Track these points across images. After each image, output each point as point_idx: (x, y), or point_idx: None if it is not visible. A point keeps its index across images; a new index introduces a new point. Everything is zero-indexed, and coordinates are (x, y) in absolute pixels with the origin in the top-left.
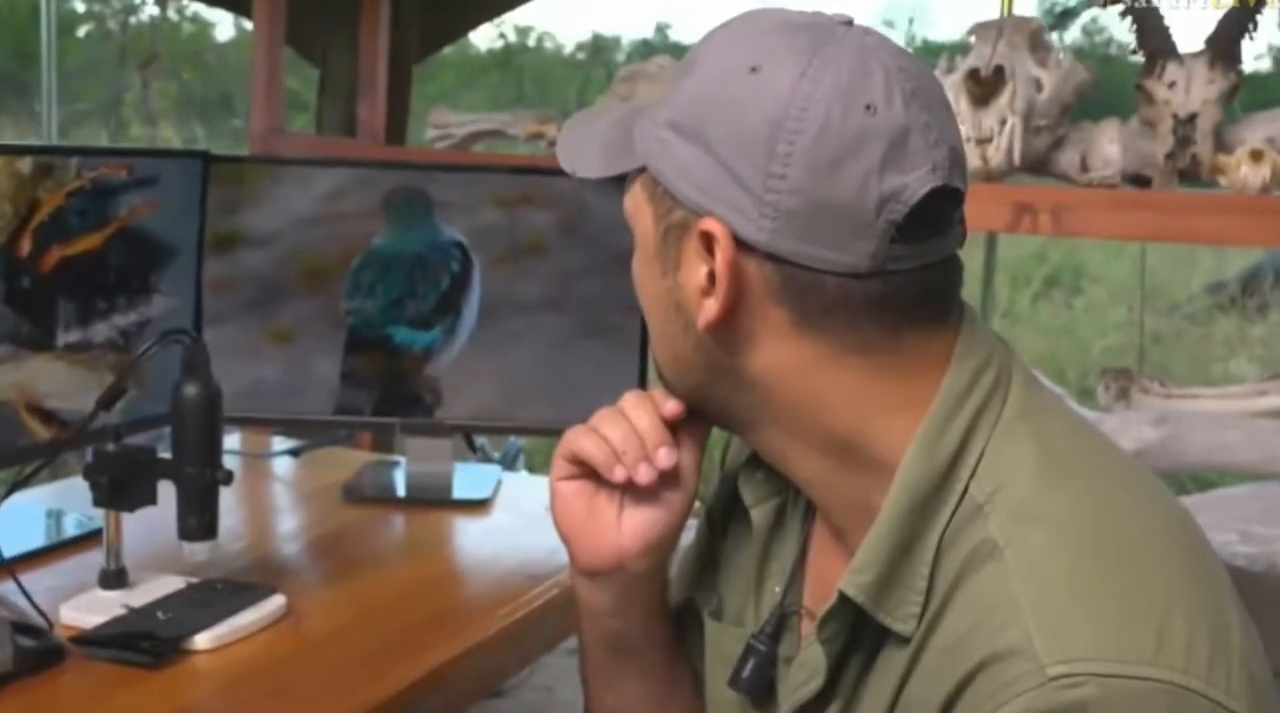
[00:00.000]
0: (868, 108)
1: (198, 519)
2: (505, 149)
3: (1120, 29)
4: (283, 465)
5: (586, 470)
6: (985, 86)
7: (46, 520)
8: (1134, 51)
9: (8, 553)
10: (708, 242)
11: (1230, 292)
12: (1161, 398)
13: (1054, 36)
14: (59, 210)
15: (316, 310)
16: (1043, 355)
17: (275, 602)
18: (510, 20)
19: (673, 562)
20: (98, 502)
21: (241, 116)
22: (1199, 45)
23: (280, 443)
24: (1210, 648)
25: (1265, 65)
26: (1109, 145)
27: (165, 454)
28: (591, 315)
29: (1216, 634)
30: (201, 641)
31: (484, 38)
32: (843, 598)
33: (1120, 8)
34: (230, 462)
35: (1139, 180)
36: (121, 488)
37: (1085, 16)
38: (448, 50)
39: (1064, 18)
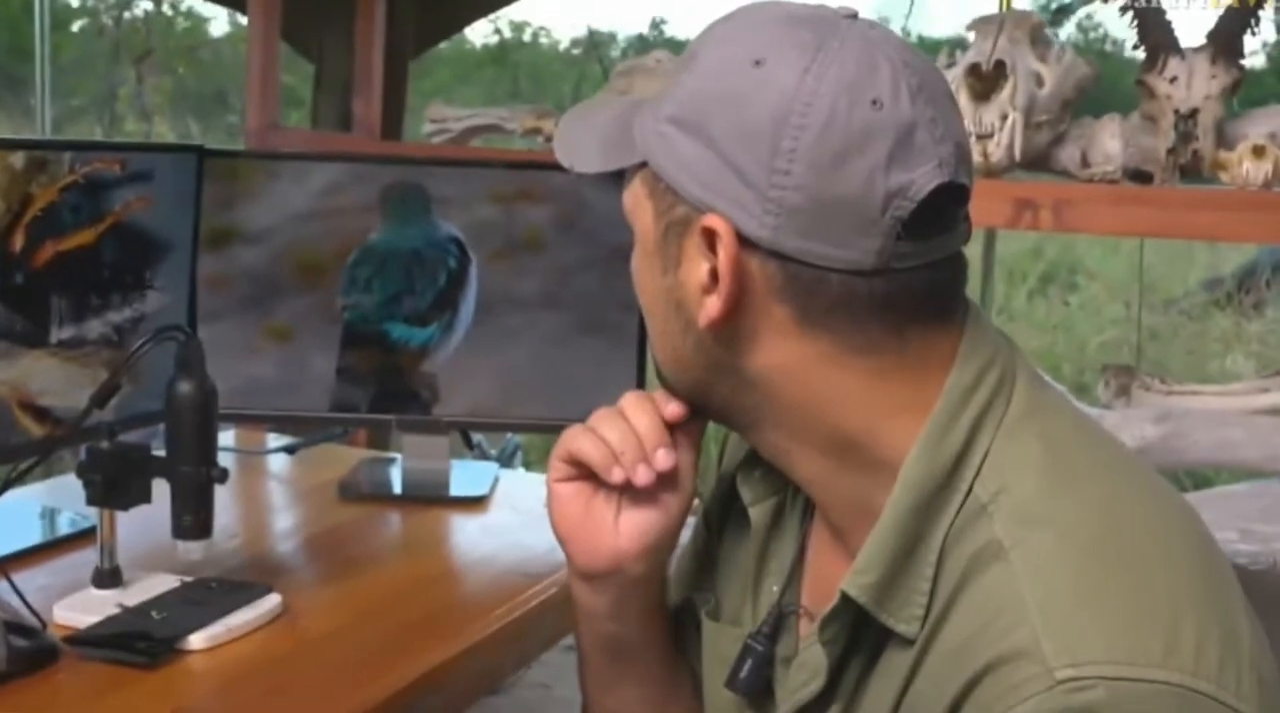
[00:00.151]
0: (874, 103)
1: (192, 518)
2: (501, 144)
3: (1116, 25)
4: (278, 463)
5: (584, 472)
6: (986, 82)
7: (40, 519)
8: (1135, 47)
9: (0, 552)
10: (710, 238)
11: (1227, 288)
12: (1162, 395)
13: (1048, 33)
14: (52, 205)
15: (312, 307)
16: (1039, 352)
17: (271, 601)
18: (506, 15)
19: (670, 562)
20: (91, 500)
21: (236, 112)
22: (1199, 41)
23: (275, 440)
24: (1220, 650)
25: (1259, 62)
26: (1110, 141)
27: (159, 451)
28: (589, 312)
29: (1226, 636)
30: (196, 640)
31: (479, 33)
32: (845, 599)
33: (1120, 3)
34: (225, 459)
35: (1140, 176)
36: (115, 486)
37: (1080, 13)
38: (443, 46)
39: (1060, 14)
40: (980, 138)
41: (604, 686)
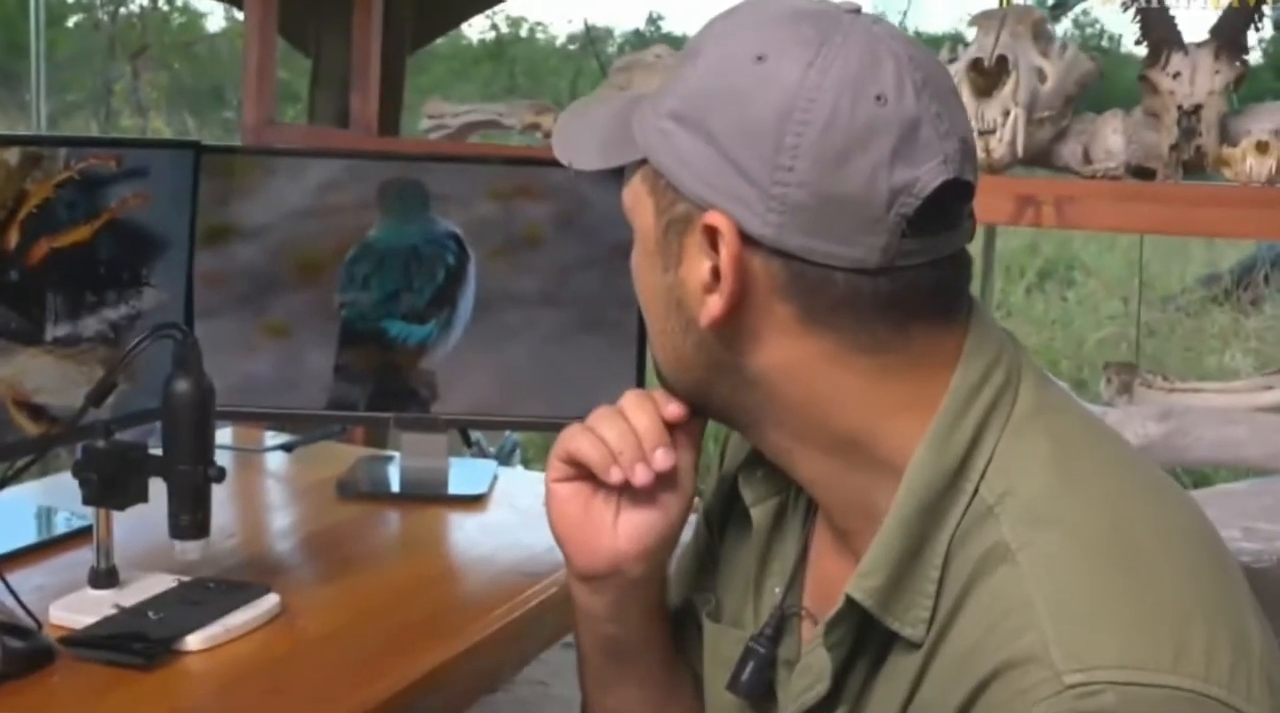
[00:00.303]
0: (878, 98)
1: (190, 517)
2: (498, 140)
3: (1112, 21)
4: (275, 461)
5: (583, 472)
6: (988, 77)
7: (35, 518)
8: (1138, 42)
9: None
10: (711, 236)
11: (1224, 284)
12: (1164, 392)
13: (1050, 28)
14: (47, 202)
15: (310, 304)
16: (1037, 348)
17: (269, 601)
18: (502, 11)
19: (670, 563)
20: (87, 500)
21: (232, 108)
22: (1202, 37)
23: (272, 438)
24: (1231, 653)
25: (1256, 58)
26: (1113, 137)
27: (156, 449)
28: (588, 309)
29: (1236, 639)
30: (194, 641)
31: (475, 29)
32: (850, 602)
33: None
34: (222, 457)
35: (1142, 172)
36: (111, 485)
37: (1077, 9)
38: (439, 41)
39: (1057, 9)
40: (982, 134)
41: (603, 686)
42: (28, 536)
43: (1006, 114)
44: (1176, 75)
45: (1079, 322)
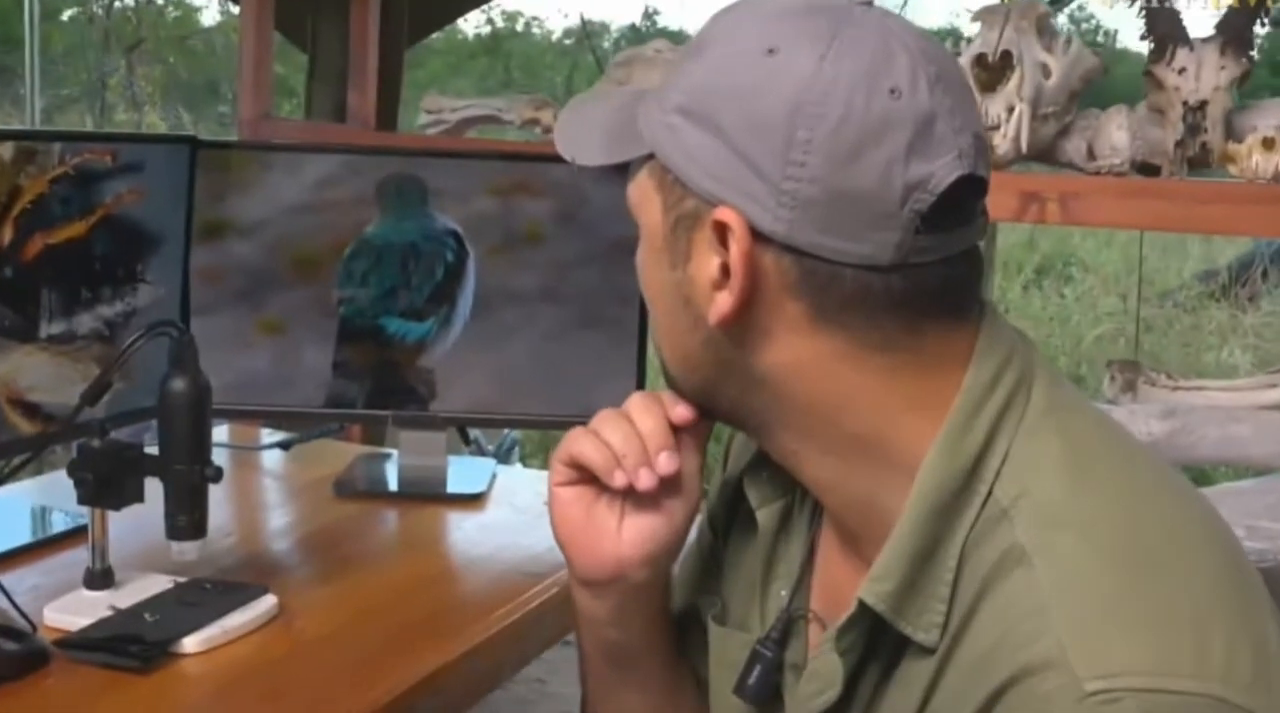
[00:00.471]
0: (892, 92)
1: (186, 518)
2: (496, 135)
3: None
4: (272, 459)
5: (586, 475)
6: (992, 72)
7: (30, 517)
8: (1143, 38)
9: None
10: (721, 232)
11: (1222, 280)
12: (1168, 390)
13: (1054, 23)
14: (41, 197)
15: (307, 301)
16: (1035, 345)
17: (266, 602)
18: (498, 5)
19: (673, 567)
20: (83, 500)
21: (227, 102)
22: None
23: (269, 435)
24: (1251, 657)
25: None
26: (1117, 132)
27: (152, 447)
28: (589, 306)
29: (1255, 642)
30: (191, 643)
31: (471, 23)
32: (862, 607)
33: None
34: (219, 455)
35: (1146, 169)
36: (107, 485)
37: (1073, 4)
38: (434, 36)
39: (1052, 5)
40: (986, 129)
41: (605, 691)
42: (22, 535)
43: (1011, 110)
44: (1182, 71)
45: (1077, 318)
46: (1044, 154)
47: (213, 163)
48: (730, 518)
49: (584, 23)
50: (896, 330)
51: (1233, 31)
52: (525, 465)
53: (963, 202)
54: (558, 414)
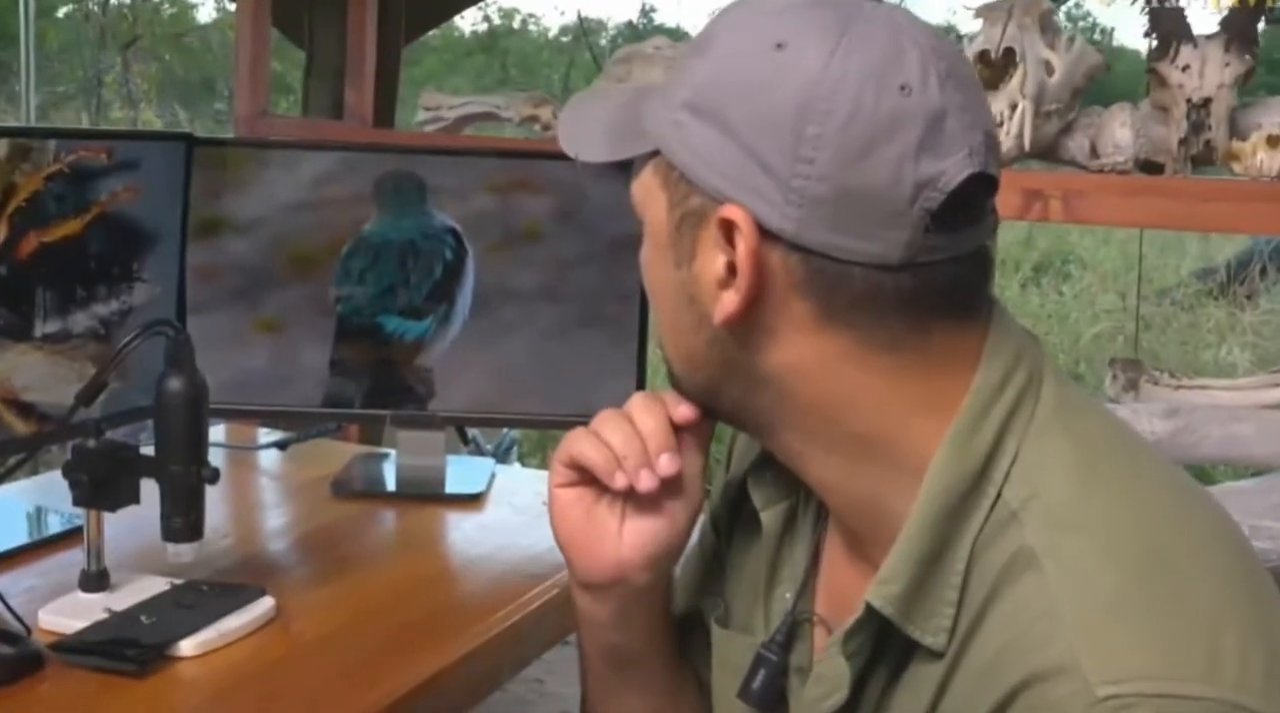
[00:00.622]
0: (902, 88)
1: (183, 520)
2: (494, 133)
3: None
4: (269, 458)
5: (586, 477)
6: (995, 69)
7: (25, 518)
8: (1146, 34)
9: None
10: (728, 230)
11: (1219, 278)
12: (1171, 389)
13: (1057, 20)
14: (36, 195)
15: (304, 299)
16: None
17: (264, 604)
18: (495, 3)
19: (675, 569)
20: (78, 501)
21: (223, 99)
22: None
23: (266, 435)
24: (1264, 662)
25: None
26: (1120, 130)
27: (148, 448)
28: (588, 305)
29: (1269, 645)
30: (187, 646)
31: (467, 20)
32: (870, 610)
33: None
34: (215, 454)
35: (1149, 167)
36: (102, 486)
37: (1070, 1)
38: (431, 33)
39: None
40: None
41: (606, 694)
42: (18, 537)
43: (1014, 107)
44: (1186, 68)
45: (1075, 316)
46: (1046, 152)
47: (209, 160)
48: (733, 519)
49: (581, 20)
50: (904, 330)
51: (1237, 28)
52: (523, 465)
53: (973, 200)
54: (557, 413)
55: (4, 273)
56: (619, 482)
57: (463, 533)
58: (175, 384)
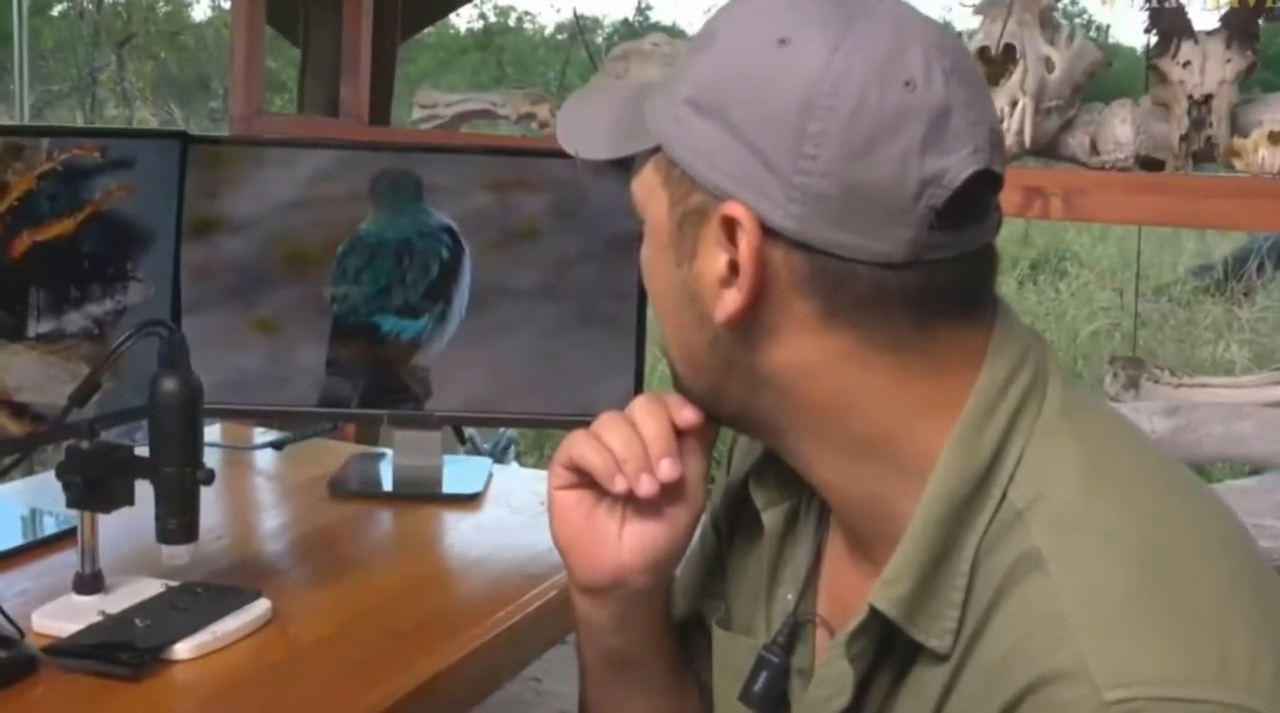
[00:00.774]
0: (906, 84)
1: (177, 521)
2: (490, 130)
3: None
4: (265, 459)
5: (586, 479)
6: (995, 66)
7: (19, 519)
8: (1147, 30)
9: None
10: (730, 228)
11: (1216, 275)
12: (1171, 387)
13: (1057, 16)
14: (29, 194)
15: (300, 298)
16: None
17: (260, 606)
18: (491, 0)
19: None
20: (71, 503)
21: (218, 97)
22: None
23: (262, 435)
24: (1274, 664)
25: None
26: (1121, 127)
27: (142, 449)
28: (586, 303)
29: (1279, 649)
30: (182, 650)
31: (463, 18)
32: (873, 612)
33: None
34: (210, 455)
35: (1150, 163)
36: (96, 488)
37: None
38: (426, 31)
39: None
40: None
41: (606, 696)
42: (11, 539)
43: (1014, 104)
44: (1186, 64)
45: (1072, 314)
46: (1047, 149)
47: (204, 158)
48: (734, 520)
49: (577, 17)
50: (908, 329)
51: (1238, 24)
52: (521, 464)
53: (978, 197)
54: (555, 413)
55: None
56: (619, 486)
57: (460, 533)
58: (170, 385)
